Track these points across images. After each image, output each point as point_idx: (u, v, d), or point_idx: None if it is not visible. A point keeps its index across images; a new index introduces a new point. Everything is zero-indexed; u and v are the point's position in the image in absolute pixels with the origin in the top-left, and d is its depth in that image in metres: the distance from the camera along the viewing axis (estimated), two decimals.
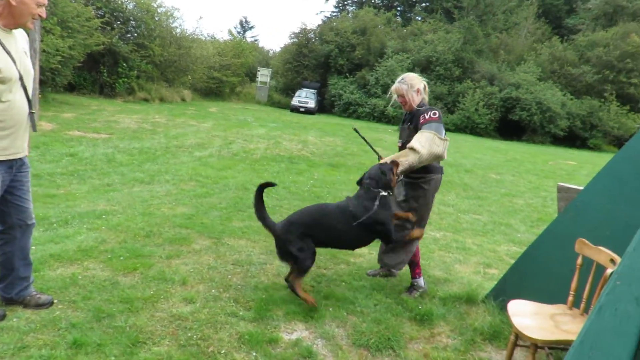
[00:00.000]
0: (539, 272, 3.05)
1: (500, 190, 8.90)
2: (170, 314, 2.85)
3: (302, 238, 3.06)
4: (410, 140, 3.28)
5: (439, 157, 3.21)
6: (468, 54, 30.60)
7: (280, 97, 34.77)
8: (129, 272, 3.38)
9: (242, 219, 5.08)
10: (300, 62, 34.35)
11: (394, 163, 3.24)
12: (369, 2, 45.51)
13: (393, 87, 3.45)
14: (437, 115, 3.26)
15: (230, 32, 49.53)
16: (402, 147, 3.44)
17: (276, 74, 37.31)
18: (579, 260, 2.61)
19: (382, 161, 3.37)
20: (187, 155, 9.02)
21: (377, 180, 3.16)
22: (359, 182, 3.32)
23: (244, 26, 64.37)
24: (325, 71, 33.96)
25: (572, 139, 27.69)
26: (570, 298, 2.61)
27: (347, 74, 32.16)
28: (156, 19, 21.79)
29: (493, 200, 7.86)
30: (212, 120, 15.85)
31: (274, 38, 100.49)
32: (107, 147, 8.98)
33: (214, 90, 28.90)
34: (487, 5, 31.92)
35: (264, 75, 34.76)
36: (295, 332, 2.83)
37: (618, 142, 28.42)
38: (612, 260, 2.36)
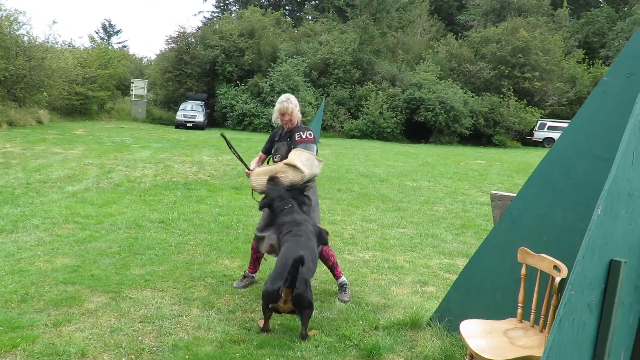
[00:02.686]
0: (483, 286, 3.28)
1: (419, 198, 9.44)
2: None
3: None
4: (287, 156, 3.97)
5: (315, 176, 3.97)
6: (366, 54, 32.29)
7: (162, 112, 33.59)
8: (7, 352, 3.01)
9: (142, 264, 4.79)
10: (181, 71, 33.50)
11: (273, 179, 3.86)
12: (253, 1, 46.04)
13: (279, 107, 4.02)
14: (313, 136, 3.97)
15: (92, 38, 47.15)
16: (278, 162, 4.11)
17: (154, 86, 36.03)
18: (523, 270, 2.85)
19: (255, 176, 3.99)
20: (56, 191, 8.30)
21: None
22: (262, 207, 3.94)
23: (108, 30, 61.72)
24: (213, 80, 33.50)
25: (478, 137, 30.38)
26: (519, 311, 2.84)
27: (238, 82, 31.97)
28: None
29: (414, 210, 8.30)
30: (82, 145, 14.80)
31: (146, 44, 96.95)
32: None
33: (77, 108, 27.07)
34: (379, 3, 34.03)
35: (139, 87, 33.37)
36: None
37: (520, 136, 31.83)
38: (556, 267, 2.61)
